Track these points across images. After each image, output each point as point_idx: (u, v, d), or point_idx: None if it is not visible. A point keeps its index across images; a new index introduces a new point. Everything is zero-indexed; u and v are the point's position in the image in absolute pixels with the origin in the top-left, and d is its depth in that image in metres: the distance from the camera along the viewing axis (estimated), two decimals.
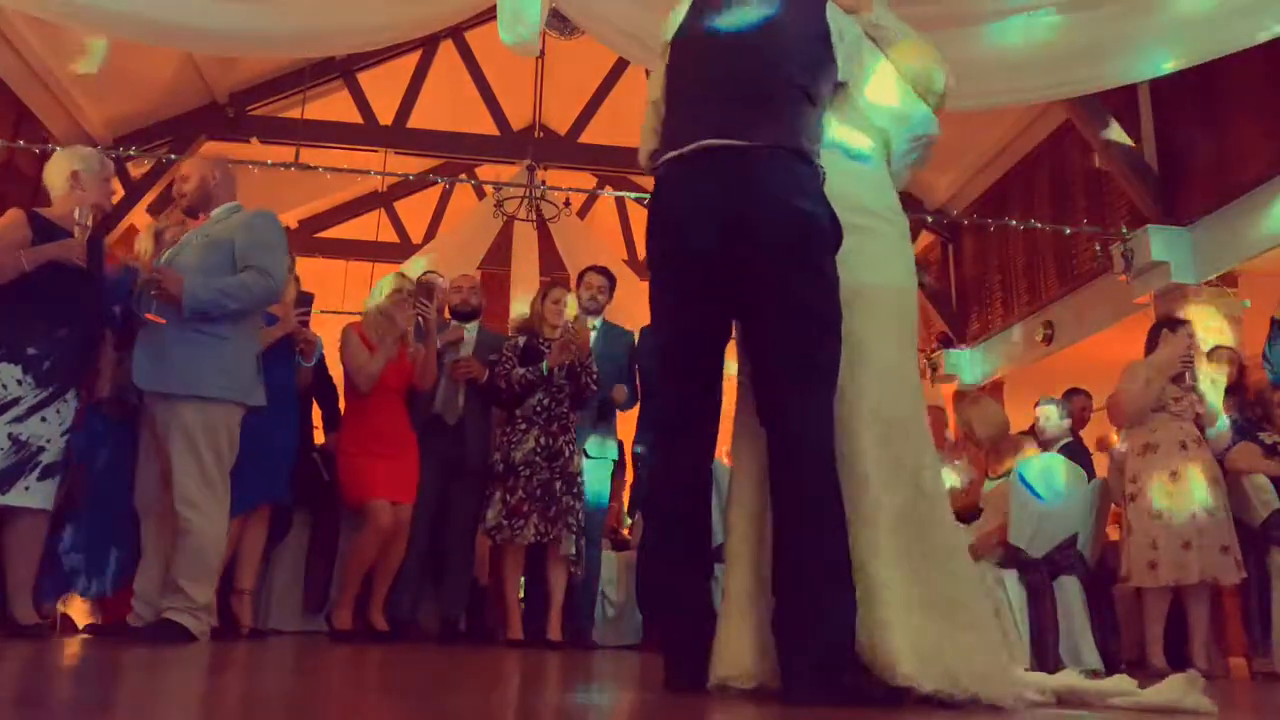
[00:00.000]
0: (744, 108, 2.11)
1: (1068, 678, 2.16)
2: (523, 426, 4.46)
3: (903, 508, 2.00)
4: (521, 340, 4.64)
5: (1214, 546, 4.42)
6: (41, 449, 3.37)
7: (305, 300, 4.34)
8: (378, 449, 4.29)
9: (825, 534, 1.90)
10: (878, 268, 2.17)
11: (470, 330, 4.89)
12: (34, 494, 3.36)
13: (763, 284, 2.03)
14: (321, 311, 4.88)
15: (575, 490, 4.45)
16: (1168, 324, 4.96)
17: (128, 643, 3.18)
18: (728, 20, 2.22)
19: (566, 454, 4.46)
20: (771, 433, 2.00)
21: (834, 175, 2.13)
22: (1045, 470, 4.91)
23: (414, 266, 7.25)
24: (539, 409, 4.47)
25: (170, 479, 3.34)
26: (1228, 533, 4.45)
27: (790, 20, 2.20)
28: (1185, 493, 4.49)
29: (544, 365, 4.46)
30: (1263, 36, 4.90)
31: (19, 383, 3.35)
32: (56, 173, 3.65)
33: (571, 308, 4.76)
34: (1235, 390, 5.01)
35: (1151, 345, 4.86)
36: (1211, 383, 4.76)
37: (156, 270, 3.38)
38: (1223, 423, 4.72)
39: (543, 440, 4.42)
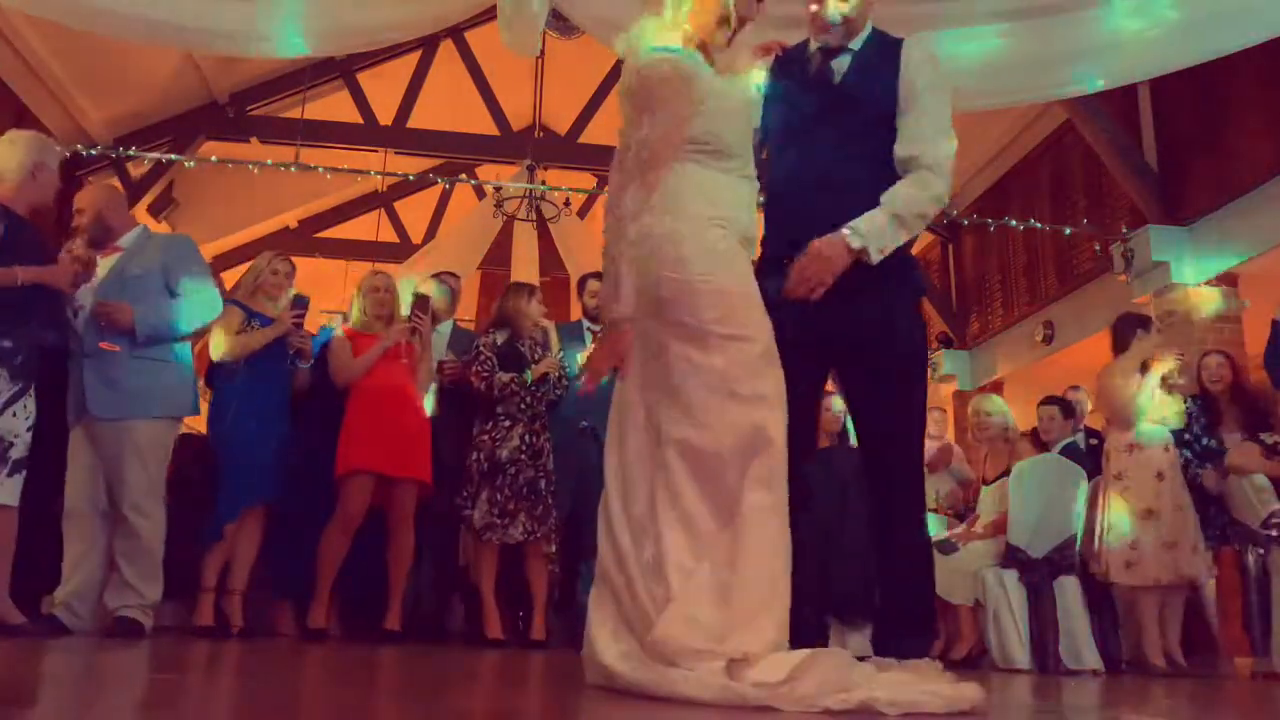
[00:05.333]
0: None
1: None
2: (506, 424, 4.43)
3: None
4: (499, 338, 4.59)
5: (1188, 546, 4.54)
6: (11, 444, 3.36)
7: (301, 303, 4.34)
8: (381, 408, 4.20)
9: None
10: None
11: (444, 329, 4.91)
12: (4, 491, 3.34)
13: None
14: (322, 311, 4.88)
15: (554, 489, 4.45)
16: (1139, 323, 4.90)
17: (123, 644, 3.19)
18: None
19: (546, 451, 4.47)
20: None
21: None
22: (1043, 472, 4.92)
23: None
24: (522, 406, 4.46)
25: (114, 488, 3.56)
26: (1198, 534, 4.61)
27: None
28: (1166, 494, 4.56)
29: (528, 374, 4.46)
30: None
31: None
32: (11, 156, 3.54)
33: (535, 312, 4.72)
34: (1238, 399, 4.98)
35: (1122, 344, 4.82)
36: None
37: (103, 303, 3.55)
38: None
39: (527, 438, 4.42)
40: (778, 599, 1.88)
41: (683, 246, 2.02)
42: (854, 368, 2.37)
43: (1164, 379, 4.65)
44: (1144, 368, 4.69)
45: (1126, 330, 4.86)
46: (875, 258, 2.19)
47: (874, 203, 2.22)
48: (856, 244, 2.17)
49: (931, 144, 2.26)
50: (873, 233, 2.18)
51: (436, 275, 5.26)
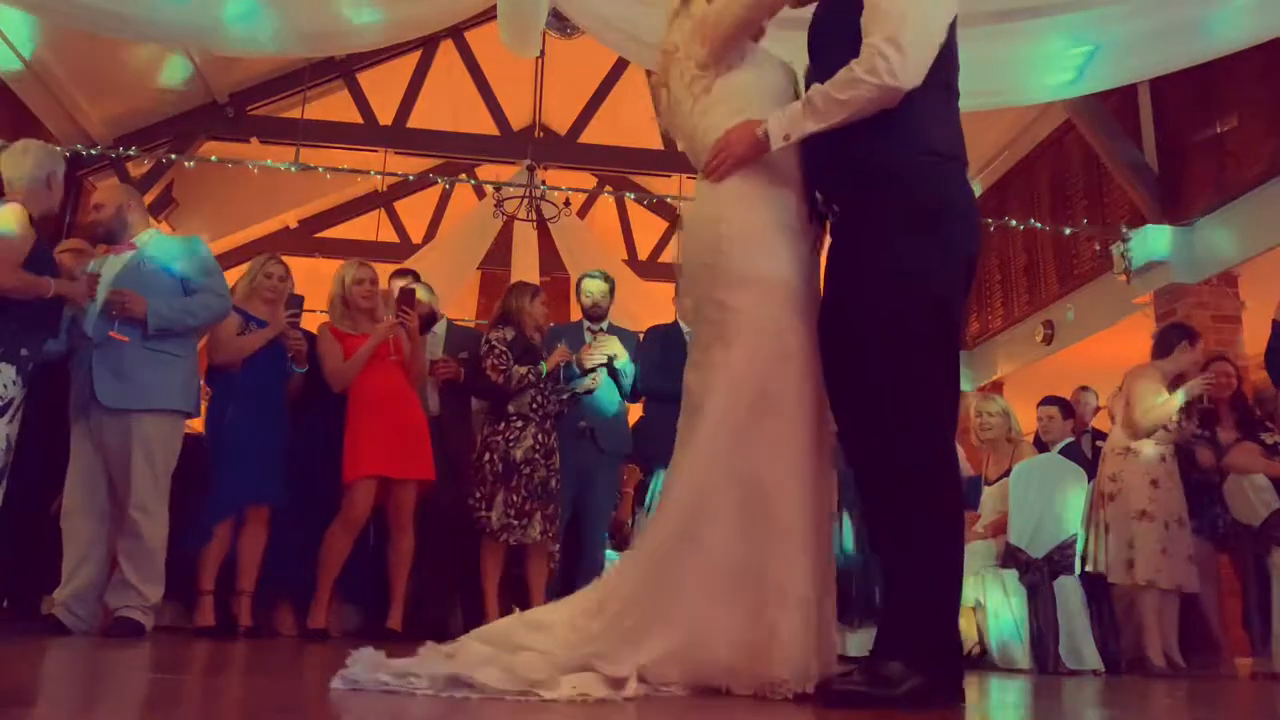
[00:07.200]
0: None
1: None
2: (519, 424, 4.43)
3: None
4: (510, 334, 4.57)
5: (1182, 556, 4.54)
6: (12, 449, 3.43)
7: (296, 302, 4.33)
8: (381, 409, 4.18)
9: None
10: None
11: (439, 328, 4.91)
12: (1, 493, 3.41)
13: None
14: (321, 312, 4.85)
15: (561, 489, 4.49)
16: (1186, 334, 4.85)
17: (123, 642, 3.19)
18: None
19: (555, 450, 4.49)
20: None
21: None
22: (1043, 472, 4.92)
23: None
24: (535, 405, 4.46)
25: (118, 486, 3.57)
26: (1189, 544, 4.61)
27: None
28: (1161, 501, 4.56)
29: (543, 367, 4.46)
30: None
31: (13, 383, 3.38)
32: (24, 165, 3.59)
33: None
34: (1236, 403, 4.97)
35: (1163, 350, 4.78)
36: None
37: (118, 293, 3.58)
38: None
39: (539, 437, 4.42)
40: None
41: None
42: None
43: (1189, 403, 4.61)
44: (1176, 383, 4.64)
45: (1171, 338, 4.83)
46: (775, 142, 2.03)
47: (848, 139, 2.01)
48: (758, 129, 2.04)
49: (881, 25, 1.95)
50: (779, 116, 2.03)
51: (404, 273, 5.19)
